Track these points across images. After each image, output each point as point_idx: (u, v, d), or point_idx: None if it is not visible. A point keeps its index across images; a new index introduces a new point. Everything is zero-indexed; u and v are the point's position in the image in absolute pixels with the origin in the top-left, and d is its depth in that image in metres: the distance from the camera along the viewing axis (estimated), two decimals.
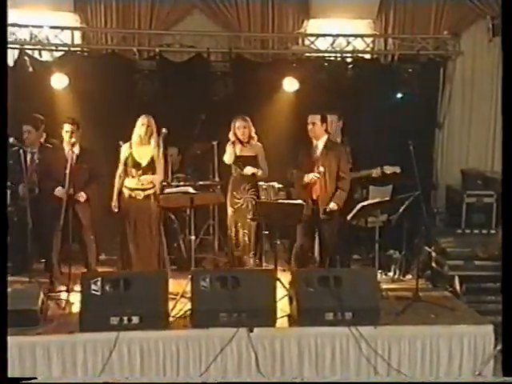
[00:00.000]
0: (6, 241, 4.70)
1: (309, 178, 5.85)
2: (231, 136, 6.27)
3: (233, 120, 6.30)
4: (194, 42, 7.72)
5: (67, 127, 5.91)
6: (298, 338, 4.83)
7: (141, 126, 5.92)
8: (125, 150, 5.98)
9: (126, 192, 5.98)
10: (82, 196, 5.88)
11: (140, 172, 5.92)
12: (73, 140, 5.80)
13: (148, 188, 5.95)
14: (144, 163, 5.93)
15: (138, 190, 5.94)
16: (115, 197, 5.99)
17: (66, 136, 5.90)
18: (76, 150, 5.82)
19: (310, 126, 5.94)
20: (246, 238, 6.32)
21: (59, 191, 5.74)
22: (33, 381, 4.48)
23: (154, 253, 5.98)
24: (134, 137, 5.95)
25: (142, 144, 5.94)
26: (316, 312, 4.86)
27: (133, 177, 5.94)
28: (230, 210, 6.35)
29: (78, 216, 5.91)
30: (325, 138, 5.99)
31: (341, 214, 5.99)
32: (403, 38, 7.86)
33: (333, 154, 5.94)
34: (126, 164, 5.95)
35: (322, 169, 5.85)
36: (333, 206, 5.85)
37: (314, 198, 5.89)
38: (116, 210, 5.99)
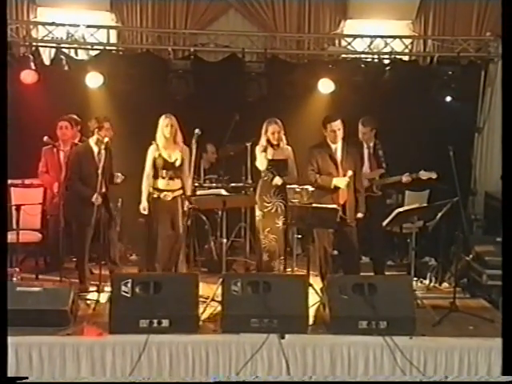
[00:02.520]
0: (6, 241, 4.70)
1: (341, 182, 5.73)
2: (263, 141, 6.13)
3: (265, 124, 6.15)
4: (229, 42, 7.70)
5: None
6: (330, 346, 4.69)
7: (165, 127, 5.77)
8: (152, 152, 5.84)
9: (155, 193, 5.87)
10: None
11: (170, 173, 5.82)
12: (107, 138, 5.78)
13: (176, 189, 5.85)
14: (174, 164, 5.81)
15: (167, 191, 5.84)
16: (144, 199, 5.86)
17: (102, 134, 5.80)
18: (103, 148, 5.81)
19: (332, 134, 5.81)
20: (275, 243, 6.20)
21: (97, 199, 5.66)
22: (32, 381, 4.44)
23: (181, 255, 5.88)
24: (160, 138, 5.81)
25: (169, 144, 5.82)
26: (349, 320, 4.75)
27: (163, 178, 5.84)
28: (258, 214, 6.24)
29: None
30: (341, 140, 5.89)
31: (375, 220, 5.88)
32: (443, 40, 7.70)
33: (351, 156, 5.89)
34: (154, 165, 5.84)
35: (350, 173, 5.76)
36: (360, 215, 5.86)
37: (341, 202, 5.76)
38: (145, 212, 5.87)
